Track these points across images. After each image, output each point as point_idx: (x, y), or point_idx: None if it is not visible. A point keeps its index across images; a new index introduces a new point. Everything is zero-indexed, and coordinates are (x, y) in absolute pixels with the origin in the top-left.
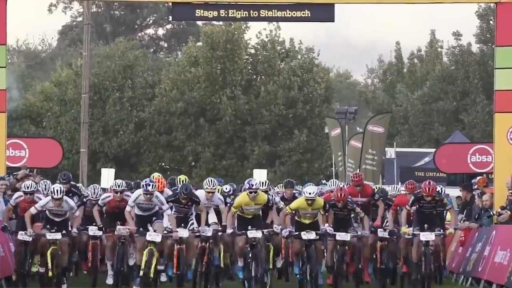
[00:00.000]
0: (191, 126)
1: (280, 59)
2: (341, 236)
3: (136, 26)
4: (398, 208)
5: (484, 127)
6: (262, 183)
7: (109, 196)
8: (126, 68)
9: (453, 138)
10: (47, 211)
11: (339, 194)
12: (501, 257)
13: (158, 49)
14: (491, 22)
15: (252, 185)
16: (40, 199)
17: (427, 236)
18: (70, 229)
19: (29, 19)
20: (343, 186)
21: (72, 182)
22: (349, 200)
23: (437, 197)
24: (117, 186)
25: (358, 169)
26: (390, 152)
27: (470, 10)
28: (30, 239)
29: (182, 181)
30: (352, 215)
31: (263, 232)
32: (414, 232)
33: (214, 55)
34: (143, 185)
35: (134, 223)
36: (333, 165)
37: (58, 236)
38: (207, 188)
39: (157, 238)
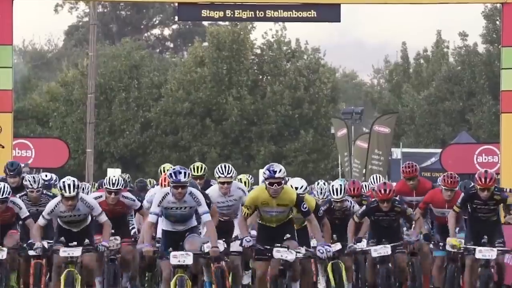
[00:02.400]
0: (197, 126)
1: (286, 60)
2: (379, 251)
3: (142, 26)
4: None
5: (490, 128)
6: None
7: (100, 197)
8: (132, 68)
9: (459, 139)
10: (58, 219)
11: (383, 191)
12: None
13: (164, 49)
14: (497, 22)
15: (274, 172)
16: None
17: (486, 252)
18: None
19: (35, 20)
20: (387, 181)
21: (27, 175)
22: (397, 199)
23: (497, 195)
24: (111, 184)
25: (364, 170)
26: (396, 153)
27: (477, 11)
28: (40, 252)
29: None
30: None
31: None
32: (468, 246)
33: (220, 55)
34: (170, 175)
35: (159, 244)
36: (339, 165)
37: (77, 252)
38: (220, 177)
39: (188, 259)
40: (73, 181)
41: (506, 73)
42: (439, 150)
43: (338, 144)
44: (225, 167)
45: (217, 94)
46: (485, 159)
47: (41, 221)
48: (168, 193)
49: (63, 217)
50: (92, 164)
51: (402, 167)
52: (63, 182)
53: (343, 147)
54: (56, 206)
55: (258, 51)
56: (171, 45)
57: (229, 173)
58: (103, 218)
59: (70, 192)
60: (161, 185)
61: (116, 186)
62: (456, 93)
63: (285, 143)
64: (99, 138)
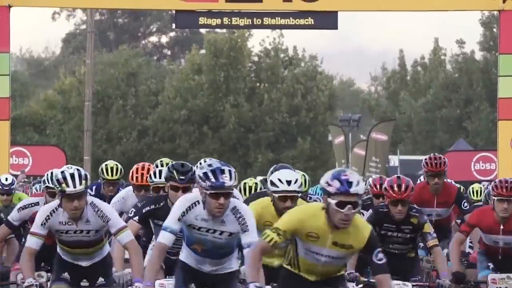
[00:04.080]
0: (195, 133)
1: (283, 67)
2: None
3: (139, 34)
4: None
5: (487, 135)
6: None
7: (36, 204)
8: (130, 76)
9: (456, 146)
10: (56, 238)
11: (396, 187)
12: None
13: (162, 56)
14: (494, 29)
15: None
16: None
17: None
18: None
19: (32, 27)
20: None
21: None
22: (414, 206)
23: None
24: (57, 182)
25: (362, 176)
26: (394, 160)
27: (474, 18)
28: None
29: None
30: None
31: None
32: None
33: (218, 62)
34: (205, 175)
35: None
36: None
37: None
38: None
39: None
40: (78, 169)
41: (503, 80)
42: None
43: (336, 151)
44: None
45: (214, 102)
46: (482, 166)
47: (31, 242)
48: (198, 203)
49: (63, 234)
50: (90, 172)
51: (425, 159)
52: (63, 172)
53: (340, 155)
54: (51, 214)
55: (256, 59)
56: (169, 53)
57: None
58: (127, 237)
59: (75, 186)
60: (133, 181)
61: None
62: (453, 101)
63: (282, 151)
64: (97, 145)
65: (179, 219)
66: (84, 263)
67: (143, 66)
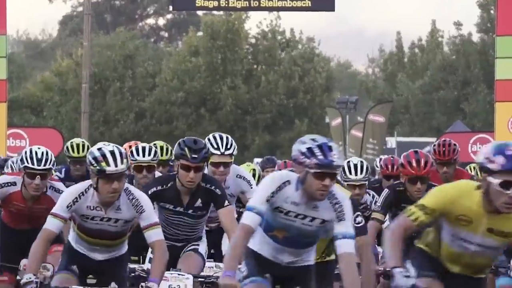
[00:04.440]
0: (192, 115)
1: (280, 49)
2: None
3: (136, 16)
4: None
5: (485, 116)
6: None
7: (12, 184)
8: (127, 58)
9: (454, 128)
10: (74, 227)
11: (415, 162)
12: None
13: (159, 39)
14: (491, 11)
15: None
16: None
17: None
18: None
19: (29, 9)
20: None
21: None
22: (434, 185)
23: None
24: (31, 160)
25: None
26: (391, 142)
27: (471, 0)
28: None
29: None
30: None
31: None
32: None
33: (215, 44)
34: (310, 150)
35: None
36: None
37: None
38: (213, 154)
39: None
40: (116, 147)
41: (500, 62)
42: (433, 139)
43: (333, 133)
44: (221, 138)
45: (211, 84)
46: (479, 147)
47: (51, 224)
48: (289, 183)
49: (87, 220)
50: None
51: (434, 145)
52: (100, 149)
53: (337, 136)
54: (80, 196)
55: (253, 41)
56: (166, 35)
57: (228, 148)
58: (157, 235)
59: (116, 165)
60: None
61: (44, 164)
62: (450, 82)
63: (279, 133)
64: (94, 127)
65: (267, 200)
66: (99, 257)
67: (140, 48)
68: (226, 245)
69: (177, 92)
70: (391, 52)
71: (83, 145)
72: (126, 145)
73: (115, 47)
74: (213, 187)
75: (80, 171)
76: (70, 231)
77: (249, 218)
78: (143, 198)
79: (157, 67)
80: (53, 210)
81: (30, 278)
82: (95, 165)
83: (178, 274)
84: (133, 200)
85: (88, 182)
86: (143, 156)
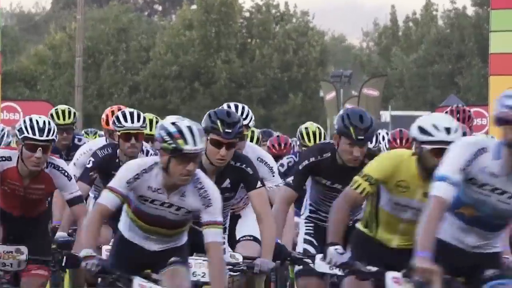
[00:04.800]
0: (186, 89)
1: (275, 23)
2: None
3: None
4: None
5: (479, 90)
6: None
7: (7, 159)
8: (120, 32)
9: (448, 101)
10: (127, 211)
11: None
12: None
13: (152, 12)
14: None
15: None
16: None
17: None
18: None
19: None
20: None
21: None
22: None
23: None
24: (32, 130)
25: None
26: (385, 116)
27: None
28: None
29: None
30: None
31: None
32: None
33: (209, 18)
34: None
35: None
36: (328, 128)
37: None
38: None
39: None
40: (194, 123)
41: (495, 35)
42: (428, 113)
43: (327, 107)
44: (236, 107)
45: (205, 57)
46: (473, 121)
47: (107, 198)
48: (485, 151)
49: (146, 203)
50: (81, 128)
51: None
52: (175, 124)
53: (332, 110)
54: (143, 173)
55: (247, 14)
56: (160, 8)
57: (244, 118)
58: (217, 236)
59: (195, 143)
60: (108, 126)
61: (48, 135)
62: (445, 56)
63: (274, 107)
64: (88, 101)
65: (463, 169)
66: (155, 247)
67: (134, 22)
68: (240, 232)
69: (171, 66)
70: (385, 26)
71: (69, 112)
72: (108, 110)
73: (108, 20)
74: (244, 165)
75: (66, 140)
76: (122, 217)
77: (442, 189)
78: (213, 190)
79: (151, 40)
80: (110, 184)
81: (90, 252)
82: (170, 141)
83: (203, 260)
84: (201, 190)
85: (152, 159)
86: (132, 122)
